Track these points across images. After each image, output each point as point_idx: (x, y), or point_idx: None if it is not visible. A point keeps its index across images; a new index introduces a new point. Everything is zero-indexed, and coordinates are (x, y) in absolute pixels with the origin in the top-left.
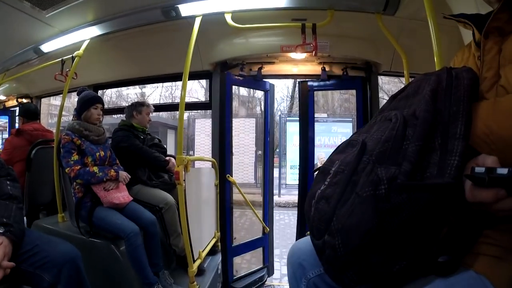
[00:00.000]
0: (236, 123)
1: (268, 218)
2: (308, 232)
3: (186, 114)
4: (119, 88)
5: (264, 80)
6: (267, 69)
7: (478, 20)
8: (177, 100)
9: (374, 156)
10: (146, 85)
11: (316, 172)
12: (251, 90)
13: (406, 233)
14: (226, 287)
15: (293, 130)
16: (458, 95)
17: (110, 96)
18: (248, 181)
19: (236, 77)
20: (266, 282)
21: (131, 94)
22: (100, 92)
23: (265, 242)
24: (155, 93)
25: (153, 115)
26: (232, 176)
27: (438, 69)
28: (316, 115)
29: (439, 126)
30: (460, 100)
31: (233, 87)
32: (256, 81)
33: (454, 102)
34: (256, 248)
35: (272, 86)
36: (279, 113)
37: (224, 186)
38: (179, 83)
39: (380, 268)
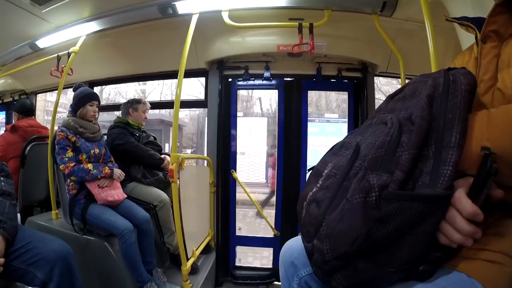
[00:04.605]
0: (247, 122)
1: (281, 222)
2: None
3: (196, 112)
4: (118, 85)
5: (275, 78)
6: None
7: (480, 24)
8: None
9: (367, 162)
10: (146, 83)
11: (309, 172)
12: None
13: (394, 242)
14: (225, 271)
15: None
16: (455, 102)
17: (108, 93)
18: (260, 181)
19: (241, 82)
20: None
21: (130, 91)
22: (98, 88)
23: (275, 244)
24: (156, 90)
25: (155, 112)
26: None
27: (436, 72)
28: (327, 115)
29: (434, 134)
30: (457, 107)
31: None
32: (265, 81)
33: (450, 108)
34: (264, 246)
35: (288, 82)
36: None
37: (229, 181)
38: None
39: (367, 274)
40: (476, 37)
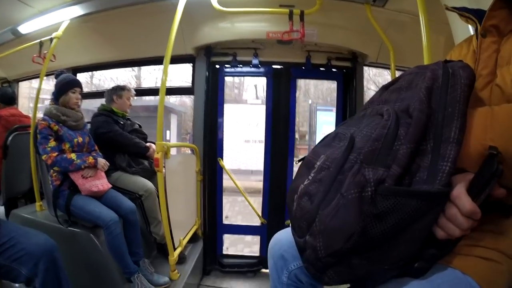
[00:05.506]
0: (249, 110)
1: (268, 209)
2: (288, 222)
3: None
4: (109, 70)
5: (264, 65)
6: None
7: (481, 16)
8: (171, 84)
9: (362, 155)
10: (141, 68)
11: (300, 163)
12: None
13: (390, 239)
14: (213, 260)
15: (323, 120)
16: (454, 95)
17: (99, 79)
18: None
19: (229, 68)
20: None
21: (122, 77)
22: (88, 74)
23: (262, 232)
24: (151, 75)
25: (151, 99)
26: (223, 161)
27: (433, 63)
28: None
29: (432, 128)
30: (456, 101)
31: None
32: (253, 68)
33: (449, 102)
34: (251, 234)
35: (276, 70)
36: (310, 101)
37: (216, 169)
38: (177, 67)
39: (361, 270)
40: (476, 30)
